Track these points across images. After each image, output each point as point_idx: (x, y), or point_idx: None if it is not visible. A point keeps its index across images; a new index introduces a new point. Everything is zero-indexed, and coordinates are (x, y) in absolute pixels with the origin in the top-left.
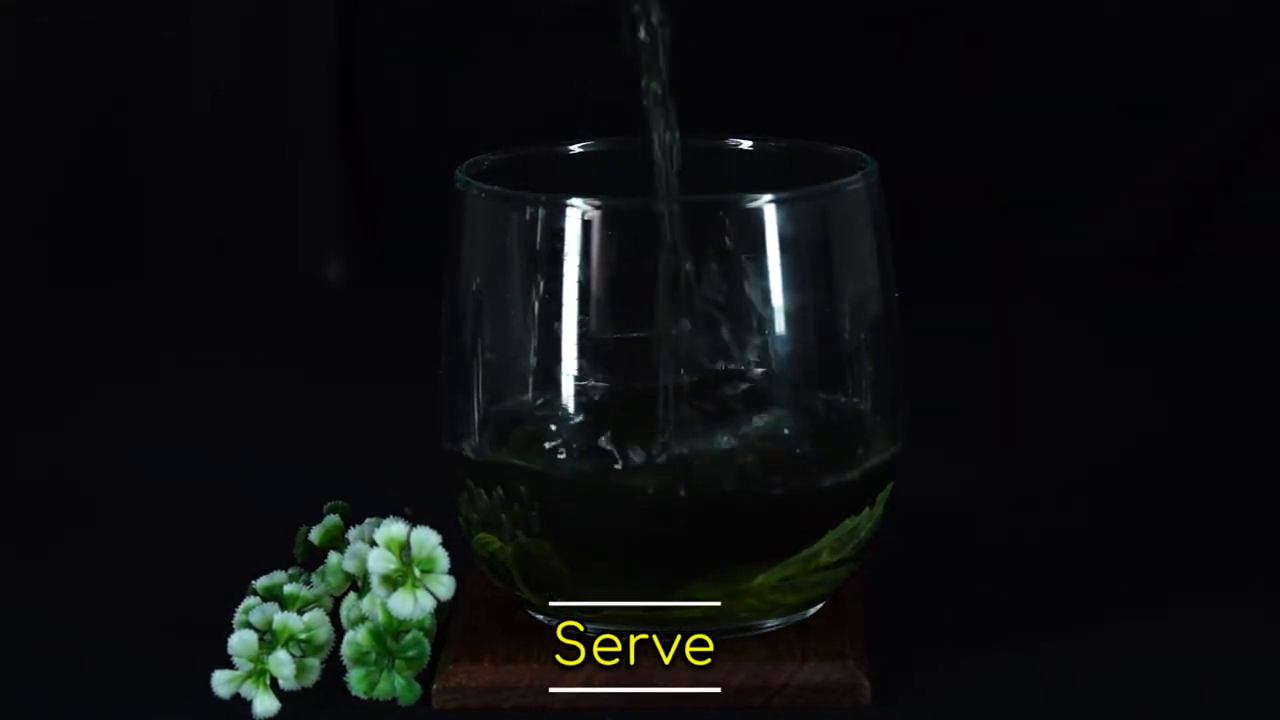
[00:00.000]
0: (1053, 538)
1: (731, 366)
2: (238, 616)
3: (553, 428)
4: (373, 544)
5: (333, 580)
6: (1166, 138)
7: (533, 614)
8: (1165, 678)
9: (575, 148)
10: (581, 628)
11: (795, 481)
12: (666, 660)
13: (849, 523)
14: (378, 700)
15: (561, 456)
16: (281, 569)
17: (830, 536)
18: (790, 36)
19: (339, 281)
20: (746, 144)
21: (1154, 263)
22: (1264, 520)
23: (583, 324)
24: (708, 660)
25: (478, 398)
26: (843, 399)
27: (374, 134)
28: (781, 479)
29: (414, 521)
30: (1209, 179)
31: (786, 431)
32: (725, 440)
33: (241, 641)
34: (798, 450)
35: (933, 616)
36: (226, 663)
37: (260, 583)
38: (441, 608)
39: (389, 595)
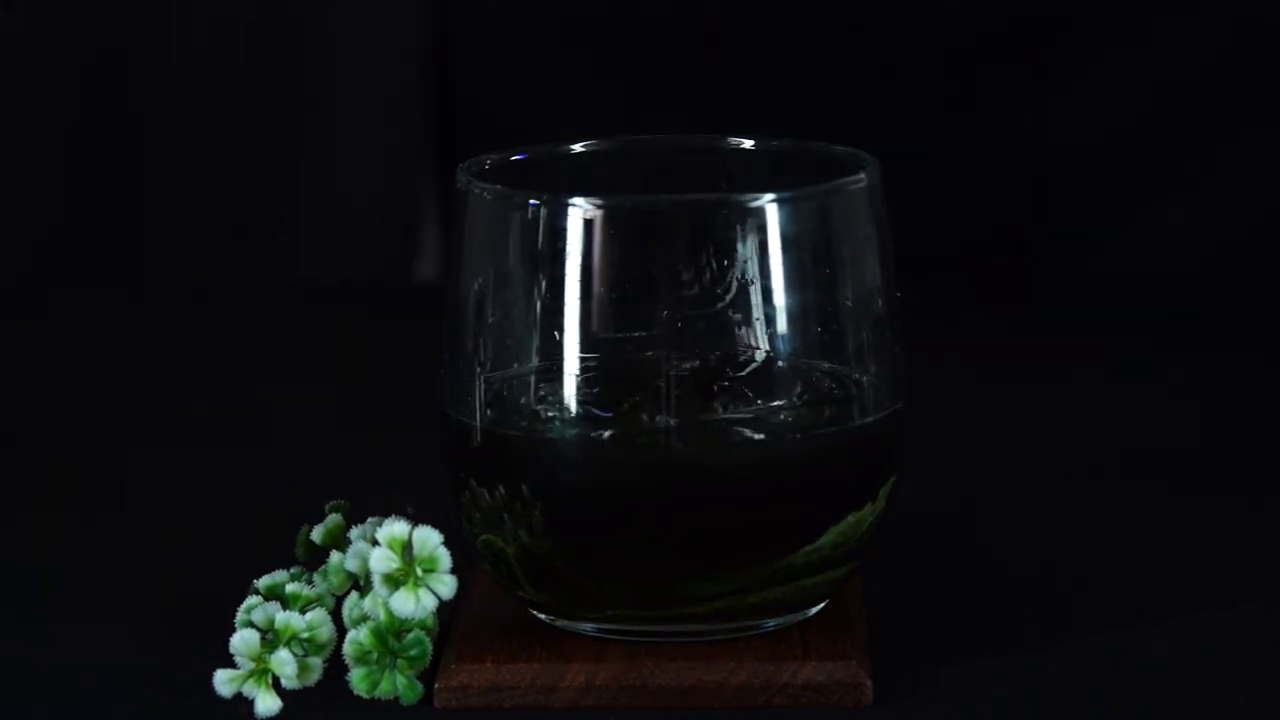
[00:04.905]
0: (1054, 538)
1: (733, 362)
2: (240, 615)
3: (555, 425)
4: (375, 543)
5: (335, 579)
6: (1204, 155)
7: (535, 613)
8: (1167, 678)
9: (576, 147)
10: (583, 628)
11: (795, 470)
12: (667, 660)
13: (851, 518)
14: (379, 699)
15: (563, 453)
16: (283, 568)
17: (833, 531)
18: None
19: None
20: (749, 143)
21: (1167, 274)
22: (1269, 522)
23: (584, 323)
24: (709, 660)
25: (480, 397)
26: (844, 394)
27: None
28: (782, 467)
29: (416, 520)
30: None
31: (787, 419)
32: (726, 432)
33: (243, 640)
34: (799, 438)
35: (935, 616)
36: (228, 662)
37: (262, 582)
38: (443, 607)
39: (391, 594)
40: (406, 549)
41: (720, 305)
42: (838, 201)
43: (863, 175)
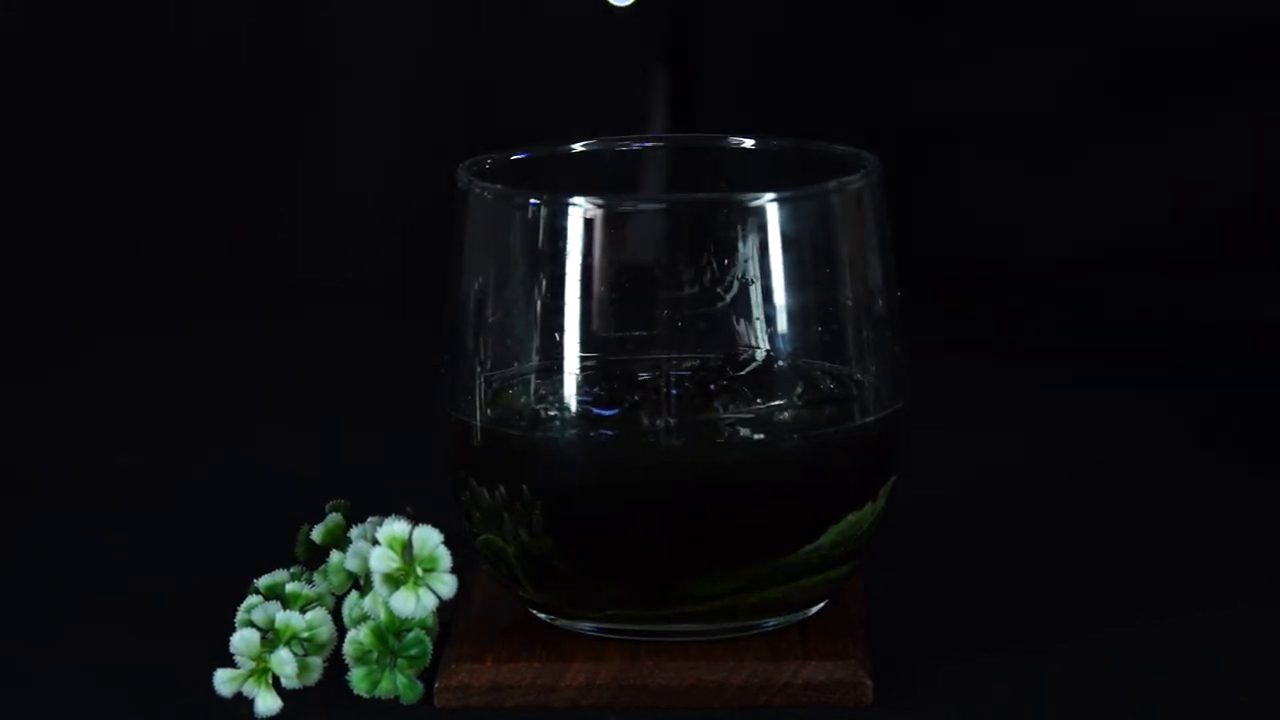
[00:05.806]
0: (1054, 538)
1: (734, 362)
2: (240, 615)
3: (555, 425)
4: (375, 542)
5: (335, 579)
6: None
7: (535, 613)
8: (1167, 678)
9: (577, 146)
10: (583, 627)
11: (795, 470)
12: (667, 660)
13: (851, 517)
14: (380, 699)
15: (563, 453)
16: (284, 567)
17: (833, 531)
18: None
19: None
20: (749, 143)
21: (1167, 267)
22: (1269, 522)
23: (584, 322)
24: (709, 659)
25: (480, 397)
26: (844, 394)
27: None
28: (782, 467)
29: (416, 520)
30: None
31: (787, 419)
32: (726, 432)
33: (244, 640)
34: (799, 438)
35: (935, 616)
36: (229, 661)
37: (262, 581)
38: (443, 606)
39: (391, 594)
40: (406, 548)
41: (720, 305)
42: (838, 201)
43: (862, 174)
